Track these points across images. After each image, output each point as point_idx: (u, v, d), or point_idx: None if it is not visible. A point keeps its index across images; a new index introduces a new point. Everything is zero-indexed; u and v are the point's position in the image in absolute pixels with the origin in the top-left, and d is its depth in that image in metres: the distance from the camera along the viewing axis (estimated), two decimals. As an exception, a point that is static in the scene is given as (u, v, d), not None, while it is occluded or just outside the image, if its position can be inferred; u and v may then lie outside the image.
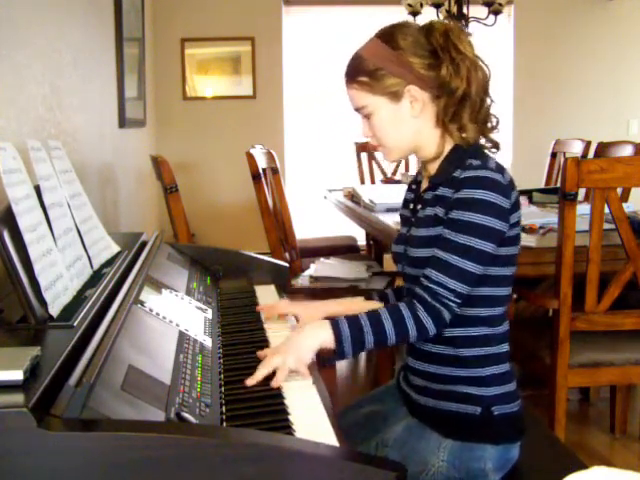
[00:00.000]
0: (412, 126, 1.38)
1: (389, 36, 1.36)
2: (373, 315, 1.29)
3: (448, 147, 1.38)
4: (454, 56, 1.33)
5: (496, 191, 1.28)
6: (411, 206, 1.48)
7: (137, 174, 4.22)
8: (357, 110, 1.41)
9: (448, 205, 1.31)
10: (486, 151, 1.38)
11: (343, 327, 1.28)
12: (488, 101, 1.38)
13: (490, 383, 1.34)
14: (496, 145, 1.39)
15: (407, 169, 4.50)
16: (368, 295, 1.62)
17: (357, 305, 1.57)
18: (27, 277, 1.13)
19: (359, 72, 1.36)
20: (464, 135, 1.35)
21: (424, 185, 1.45)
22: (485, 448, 1.32)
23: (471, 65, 1.34)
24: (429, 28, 1.36)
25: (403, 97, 1.35)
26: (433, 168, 1.41)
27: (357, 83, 1.37)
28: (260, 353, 1.30)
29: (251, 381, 1.20)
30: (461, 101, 1.34)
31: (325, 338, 1.28)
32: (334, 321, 1.29)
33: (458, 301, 1.28)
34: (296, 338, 1.30)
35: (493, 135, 1.39)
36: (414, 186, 1.52)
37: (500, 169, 1.33)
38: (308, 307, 1.58)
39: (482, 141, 1.39)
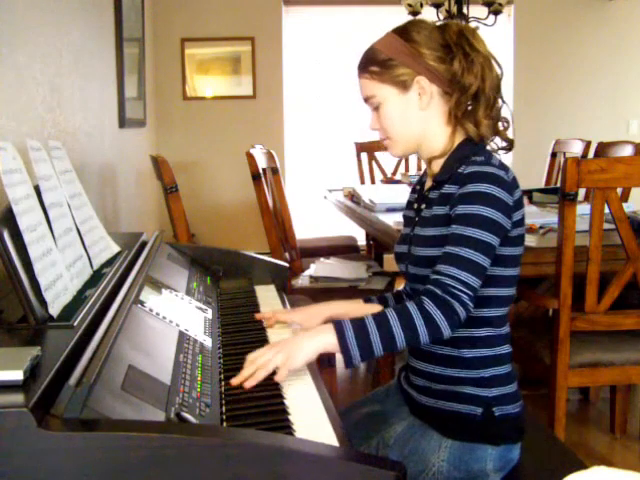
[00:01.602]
0: (419, 119, 1.39)
1: (403, 30, 1.39)
2: (378, 315, 1.24)
3: (455, 144, 1.39)
4: (468, 51, 1.34)
5: (500, 186, 1.28)
6: (415, 206, 1.48)
7: (137, 174, 4.22)
8: (366, 101, 1.42)
9: (454, 200, 1.31)
10: (490, 149, 1.39)
11: (347, 332, 1.22)
12: (500, 101, 1.39)
13: (492, 384, 1.34)
14: (511, 143, 1.41)
15: (407, 169, 4.50)
16: (367, 298, 1.59)
17: (359, 307, 1.54)
18: (27, 277, 1.13)
19: (371, 62, 1.39)
20: (480, 131, 1.36)
21: (428, 184, 1.45)
22: (486, 449, 1.32)
23: (485, 62, 1.35)
24: (444, 26, 1.38)
25: (411, 88, 1.37)
26: (437, 166, 1.41)
27: (368, 72, 1.39)
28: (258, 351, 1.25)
29: (235, 381, 1.17)
30: (475, 98, 1.35)
31: (328, 342, 1.22)
32: (338, 325, 1.23)
33: (470, 293, 1.23)
34: (297, 338, 1.26)
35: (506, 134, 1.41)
36: (418, 187, 1.52)
37: (504, 167, 1.33)
38: (308, 313, 1.53)
39: (496, 140, 1.40)
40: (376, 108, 1.41)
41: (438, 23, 1.41)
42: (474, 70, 1.33)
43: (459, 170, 1.33)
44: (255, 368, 1.19)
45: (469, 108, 1.37)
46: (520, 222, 1.35)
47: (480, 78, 1.34)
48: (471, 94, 1.34)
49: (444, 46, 1.35)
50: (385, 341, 1.21)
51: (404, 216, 1.54)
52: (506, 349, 1.38)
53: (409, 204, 1.53)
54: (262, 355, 1.21)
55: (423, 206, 1.42)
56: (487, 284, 1.30)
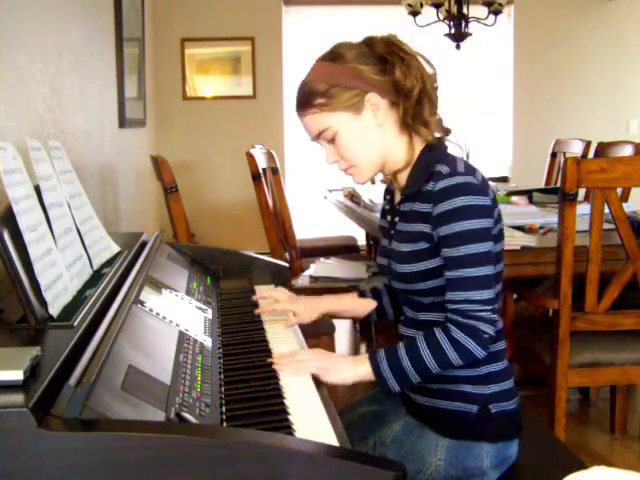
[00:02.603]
0: (379, 137, 1.36)
1: (331, 54, 1.35)
2: (410, 345, 1.29)
3: (417, 153, 1.37)
4: (403, 56, 1.32)
5: (472, 193, 1.27)
6: (388, 218, 1.47)
7: (137, 174, 4.22)
8: (317, 137, 1.38)
9: (432, 221, 1.30)
10: (449, 152, 1.37)
11: (382, 365, 1.28)
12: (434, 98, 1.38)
13: (487, 381, 1.34)
14: (447, 132, 1.39)
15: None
16: (361, 291, 1.63)
17: (354, 303, 1.61)
18: (27, 277, 1.13)
19: (313, 96, 1.33)
20: (430, 131, 1.35)
21: (397, 196, 1.44)
22: (482, 446, 1.32)
23: (420, 64, 1.34)
24: (368, 41, 1.36)
25: (364, 107, 1.33)
26: (402, 178, 1.39)
27: (314, 107, 1.33)
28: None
29: (273, 359, 1.29)
30: (419, 100, 1.33)
31: (365, 375, 1.30)
32: (374, 362, 1.29)
33: (489, 308, 1.26)
34: (342, 360, 1.33)
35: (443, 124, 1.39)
36: (388, 196, 1.51)
37: (470, 170, 1.32)
38: (307, 303, 1.59)
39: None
40: (331, 140, 1.36)
41: (358, 41, 1.37)
42: (413, 73, 1.32)
43: (428, 188, 1.31)
44: (295, 360, 1.28)
45: (416, 111, 1.34)
46: (498, 219, 1.35)
47: (421, 79, 1.32)
48: (415, 97, 1.33)
49: (378, 58, 1.33)
50: (419, 370, 1.28)
51: (380, 226, 1.53)
52: (500, 345, 1.37)
53: (383, 212, 1.52)
54: (306, 354, 1.31)
55: (397, 219, 1.41)
56: None
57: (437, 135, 1.37)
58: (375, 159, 1.38)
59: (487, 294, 1.27)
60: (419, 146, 1.37)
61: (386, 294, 1.60)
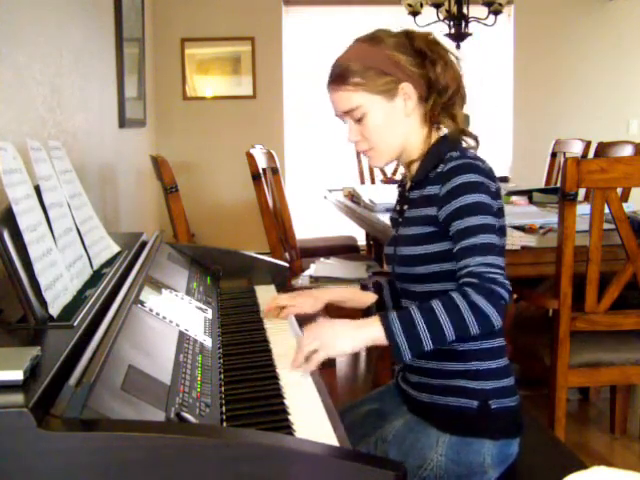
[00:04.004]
0: (404, 126, 1.40)
1: (372, 38, 1.38)
2: (426, 310, 1.22)
3: (429, 145, 1.41)
4: (443, 55, 1.37)
5: (480, 173, 1.31)
6: (398, 207, 1.50)
7: (137, 174, 4.22)
8: (346, 113, 1.39)
9: (439, 201, 1.32)
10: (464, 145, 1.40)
11: (395, 327, 1.21)
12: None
13: (487, 377, 1.34)
14: (476, 139, 1.42)
15: (407, 169, 4.50)
16: (363, 285, 1.65)
17: (355, 295, 1.62)
18: (27, 277, 1.13)
19: (350, 73, 1.36)
20: (456, 124, 1.38)
21: (408, 185, 1.47)
22: (483, 443, 1.32)
23: (455, 64, 1.39)
24: (408, 33, 1.39)
25: (397, 95, 1.37)
26: (415, 167, 1.42)
27: (349, 84, 1.36)
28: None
29: (293, 364, 1.24)
30: (451, 97, 1.37)
31: (376, 336, 1.22)
32: (384, 319, 1.22)
33: (504, 273, 1.23)
34: (342, 326, 1.26)
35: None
36: (400, 189, 1.54)
37: (479, 158, 1.36)
38: (309, 295, 1.59)
39: (468, 141, 1.42)
40: (358, 120, 1.39)
41: (398, 30, 1.41)
42: (451, 72, 1.37)
43: (438, 170, 1.34)
44: (301, 356, 1.24)
45: (444, 106, 1.39)
46: (501, 211, 1.37)
47: (457, 79, 1.37)
48: (449, 95, 1.37)
49: (416, 52, 1.36)
50: (434, 335, 1.20)
51: (390, 218, 1.56)
52: (500, 342, 1.38)
53: (395, 204, 1.55)
54: (305, 340, 1.25)
55: (405, 207, 1.44)
56: None
57: (462, 126, 1.40)
58: (395, 146, 1.41)
59: (501, 261, 1.25)
60: (434, 139, 1.41)
61: (387, 288, 1.62)
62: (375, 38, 1.38)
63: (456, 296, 1.21)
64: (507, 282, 1.23)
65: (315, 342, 1.24)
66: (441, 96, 1.37)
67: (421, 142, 1.41)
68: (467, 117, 1.43)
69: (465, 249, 1.26)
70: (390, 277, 1.60)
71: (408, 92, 1.37)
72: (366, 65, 1.35)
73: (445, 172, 1.32)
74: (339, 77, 1.38)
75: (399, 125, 1.39)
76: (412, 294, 1.41)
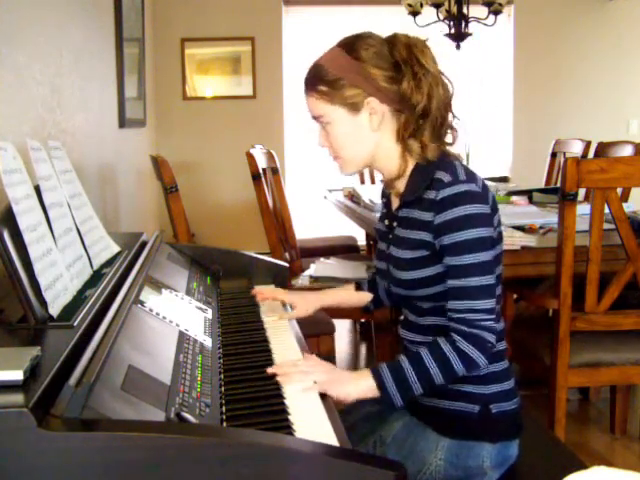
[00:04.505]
0: (370, 139, 1.35)
1: (351, 46, 1.33)
2: (413, 358, 1.27)
3: (411, 165, 1.36)
4: (416, 70, 1.30)
5: (475, 201, 1.28)
6: (386, 222, 1.46)
7: (137, 174, 4.22)
8: (314, 118, 1.39)
9: (433, 230, 1.30)
10: (451, 158, 1.35)
11: (388, 384, 1.26)
12: (450, 117, 1.36)
13: (488, 381, 1.34)
14: (456, 158, 1.36)
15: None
16: (358, 285, 1.65)
17: (351, 296, 1.64)
18: (27, 277, 1.13)
19: (319, 81, 1.34)
20: (424, 154, 1.33)
21: (394, 202, 1.44)
22: (483, 446, 1.32)
23: (433, 80, 1.31)
24: (392, 40, 1.34)
25: (362, 109, 1.33)
26: (400, 185, 1.39)
27: (316, 92, 1.35)
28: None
29: (270, 370, 1.24)
30: (422, 117, 1.32)
31: (370, 390, 1.26)
32: (377, 376, 1.26)
33: (492, 317, 1.27)
34: (345, 374, 1.29)
35: (451, 148, 1.37)
36: (384, 199, 1.51)
37: (471, 177, 1.31)
38: (304, 297, 1.61)
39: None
40: (325, 126, 1.37)
41: (385, 36, 1.36)
42: (422, 89, 1.30)
43: (430, 196, 1.30)
44: (296, 371, 1.24)
45: (416, 128, 1.33)
46: (498, 224, 1.36)
47: (427, 97, 1.30)
48: (418, 113, 1.31)
49: (393, 64, 1.31)
50: (424, 383, 1.26)
51: (375, 228, 1.53)
52: (501, 346, 1.38)
53: (380, 216, 1.52)
54: (310, 365, 1.27)
55: (395, 224, 1.41)
56: None
57: (432, 159, 1.34)
58: (360, 158, 1.38)
59: (490, 303, 1.27)
60: (411, 162, 1.36)
61: (382, 286, 1.61)
62: (353, 46, 1.33)
63: (444, 346, 1.26)
64: (495, 325, 1.28)
65: (320, 375, 1.24)
66: (411, 114, 1.32)
67: (395, 159, 1.36)
68: (457, 157, 1.36)
69: (455, 290, 1.28)
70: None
71: (374, 107, 1.32)
72: (336, 75, 1.32)
73: (438, 201, 1.28)
74: (309, 82, 1.37)
75: (364, 138, 1.35)
76: (417, 309, 1.40)
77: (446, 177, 1.29)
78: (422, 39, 1.36)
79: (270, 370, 1.24)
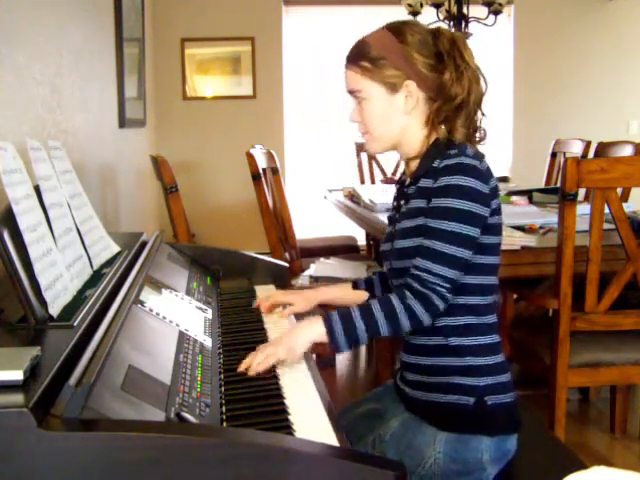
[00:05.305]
0: (401, 121, 1.40)
1: (398, 29, 1.38)
2: (364, 307, 1.32)
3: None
4: (459, 63, 1.36)
5: (473, 176, 1.30)
6: (395, 204, 1.51)
7: (137, 174, 4.22)
8: (350, 93, 1.43)
9: (430, 193, 1.33)
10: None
11: (335, 323, 1.30)
12: (479, 114, 1.41)
13: (482, 373, 1.35)
14: (481, 155, 1.40)
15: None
16: (354, 283, 1.66)
17: (346, 294, 1.65)
18: (27, 277, 1.13)
19: (362, 56, 1.39)
20: (451, 136, 1.37)
21: (407, 182, 1.47)
22: (481, 439, 1.33)
23: (472, 76, 1.37)
24: (436, 32, 1.39)
25: (400, 90, 1.38)
26: (415, 165, 1.43)
27: (358, 67, 1.39)
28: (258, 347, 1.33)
29: (242, 367, 1.26)
30: (457, 108, 1.37)
31: (318, 332, 1.31)
32: (326, 315, 1.32)
33: (447, 286, 1.29)
34: (290, 332, 1.36)
35: (479, 146, 1.41)
36: (399, 186, 1.54)
37: (478, 156, 1.35)
38: (302, 295, 1.62)
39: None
40: (360, 101, 1.41)
41: (431, 27, 1.42)
42: (462, 82, 1.36)
43: (434, 165, 1.35)
44: (256, 361, 1.26)
45: (448, 116, 1.38)
46: (496, 210, 1.37)
47: (467, 91, 1.36)
48: (455, 104, 1.36)
49: (436, 54, 1.37)
50: (370, 330, 1.30)
51: (388, 217, 1.57)
52: (494, 338, 1.39)
53: (393, 206, 1.56)
54: (263, 351, 1.29)
55: (402, 202, 1.45)
56: (467, 272, 1.33)
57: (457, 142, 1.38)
58: (389, 138, 1.43)
59: (451, 273, 1.29)
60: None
61: (379, 285, 1.64)
62: (400, 30, 1.38)
63: (394, 298, 1.31)
64: (448, 295, 1.30)
65: (272, 348, 1.29)
66: (447, 104, 1.37)
67: (420, 141, 1.41)
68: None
69: (422, 249, 1.32)
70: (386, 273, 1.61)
71: (412, 90, 1.37)
72: (381, 54, 1.37)
73: (440, 168, 1.33)
74: (353, 56, 1.41)
75: (396, 119, 1.40)
76: None
77: (453, 151, 1.34)
78: (463, 36, 1.42)
79: (240, 369, 1.26)
